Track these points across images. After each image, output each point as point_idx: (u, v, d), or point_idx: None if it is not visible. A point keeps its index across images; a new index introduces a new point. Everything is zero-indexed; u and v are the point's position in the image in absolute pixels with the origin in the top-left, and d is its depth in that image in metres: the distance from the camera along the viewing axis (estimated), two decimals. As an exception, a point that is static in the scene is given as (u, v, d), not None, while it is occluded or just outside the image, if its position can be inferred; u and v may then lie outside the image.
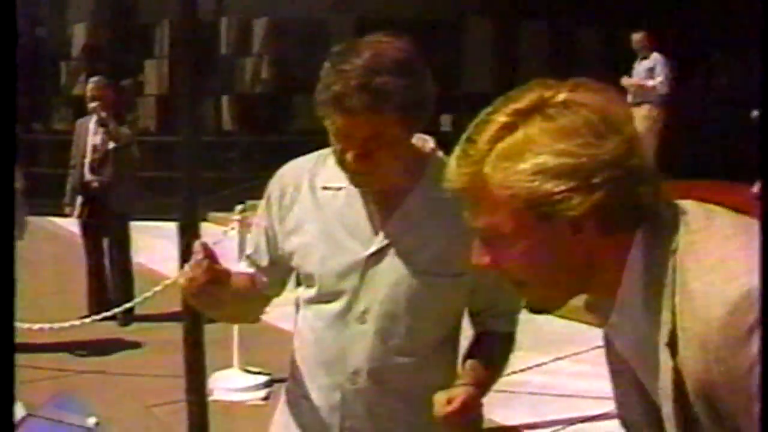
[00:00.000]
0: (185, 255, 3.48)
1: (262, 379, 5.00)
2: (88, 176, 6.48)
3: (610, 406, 1.36)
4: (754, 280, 1.01)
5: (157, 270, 7.12)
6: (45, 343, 5.44)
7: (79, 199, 6.52)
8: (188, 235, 3.50)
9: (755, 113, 8.76)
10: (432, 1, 12.05)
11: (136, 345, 5.93)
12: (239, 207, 5.48)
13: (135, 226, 6.79)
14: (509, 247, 1.15)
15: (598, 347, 1.33)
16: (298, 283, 1.89)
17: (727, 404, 1.04)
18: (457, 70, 11.56)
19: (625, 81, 9.07)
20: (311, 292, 1.82)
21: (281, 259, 1.86)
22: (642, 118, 8.76)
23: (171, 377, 4.20)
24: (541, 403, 4.61)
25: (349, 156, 1.66)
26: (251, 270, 1.92)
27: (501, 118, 1.13)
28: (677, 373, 1.08)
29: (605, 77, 1.23)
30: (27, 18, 12.10)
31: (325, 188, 1.81)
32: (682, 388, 1.08)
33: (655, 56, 9.39)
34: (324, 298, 1.79)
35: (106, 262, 6.64)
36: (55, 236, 9.18)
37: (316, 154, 1.88)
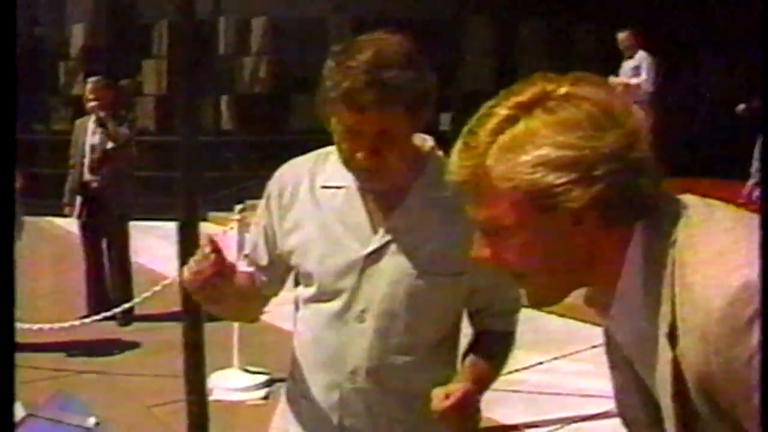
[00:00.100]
0: (184, 255, 3.49)
1: (262, 378, 5.00)
2: (87, 176, 6.48)
3: (609, 405, 1.36)
4: (754, 272, 1.02)
5: (156, 270, 7.11)
6: (44, 343, 5.44)
7: (78, 199, 6.52)
8: (188, 235, 3.50)
9: (741, 107, 8.78)
10: (430, 1, 12.05)
11: (135, 345, 5.93)
12: (239, 207, 5.48)
13: (134, 226, 6.78)
14: (510, 239, 1.16)
15: (597, 346, 1.33)
16: (297, 283, 1.90)
17: (726, 396, 1.05)
18: (456, 70, 11.56)
19: (612, 80, 9.08)
20: (310, 291, 1.82)
21: (280, 258, 1.86)
22: None
23: (171, 377, 4.20)
24: (540, 402, 4.62)
25: (359, 154, 1.65)
26: (251, 269, 1.92)
27: (503, 111, 1.14)
28: (676, 364, 1.09)
29: (604, 76, 1.23)
30: (25, 18, 12.11)
31: (324, 187, 1.81)
32: (681, 380, 1.09)
33: (641, 55, 9.40)
34: (323, 296, 1.80)
35: (106, 262, 6.63)
36: (54, 236, 9.18)
37: (315, 153, 1.88)
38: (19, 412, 1.74)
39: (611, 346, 1.28)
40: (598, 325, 1.30)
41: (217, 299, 1.77)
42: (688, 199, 1.17)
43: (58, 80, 13.21)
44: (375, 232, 1.75)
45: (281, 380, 2.04)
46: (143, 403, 4.80)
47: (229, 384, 4.96)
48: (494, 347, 1.86)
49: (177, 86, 3.84)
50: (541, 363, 5.01)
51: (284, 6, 11.92)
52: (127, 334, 6.16)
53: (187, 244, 3.49)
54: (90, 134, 6.49)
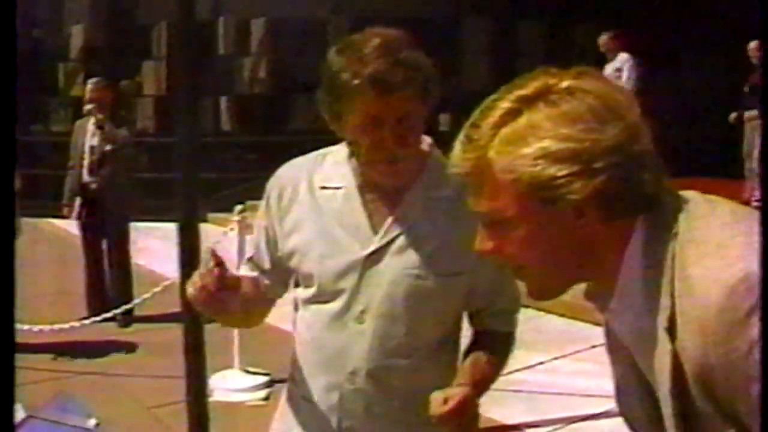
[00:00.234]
0: (184, 256, 3.49)
1: (262, 379, 5.00)
2: (86, 177, 6.48)
3: (609, 405, 1.36)
4: (753, 265, 1.02)
5: (156, 271, 7.12)
6: (44, 343, 5.44)
7: (78, 201, 6.52)
8: (187, 236, 3.50)
9: (733, 115, 8.81)
10: (430, 1, 12.05)
11: (135, 346, 5.93)
12: (238, 207, 5.48)
13: (134, 227, 6.78)
14: (512, 232, 1.16)
15: (598, 346, 1.33)
16: (297, 284, 1.89)
17: (725, 388, 1.05)
18: (455, 70, 11.56)
19: None
20: (310, 291, 1.82)
21: (282, 260, 1.86)
22: None
23: (171, 378, 4.20)
24: (541, 402, 4.62)
25: (387, 140, 1.64)
26: (254, 273, 1.92)
27: (505, 104, 1.15)
28: (675, 357, 1.09)
29: (603, 75, 1.23)
30: (24, 19, 12.10)
31: (323, 188, 1.81)
32: (679, 373, 1.09)
33: (622, 57, 9.41)
34: (322, 297, 1.79)
35: (106, 263, 6.63)
36: (53, 237, 9.18)
37: (314, 154, 1.88)
38: (19, 413, 1.74)
39: (612, 342, 1.28)
40: (599, 324, 1.30)
41: (221, 311, 1.77)
42: (689, 194, 1.17)
43: (57, 81, 13.20)
44: (375, 232, 1.75)
45: (282, 381, 2.04)
46: (143, 404, 4.80)
47: (230, 385, 4.96)
48: (494, 347, 1.85)
49: (176, 87, 3.83)
50: (541, 363, 5.01)
51: (284, 7, 11.92)
52: (128, 335, 6.16)
53: (187, 245, 3.48)
54: (89, 135, 6.49)
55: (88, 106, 6.42)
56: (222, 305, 1.71)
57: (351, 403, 1.79)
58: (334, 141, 1.84)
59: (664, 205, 1.14)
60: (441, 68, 1.69)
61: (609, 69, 9.48)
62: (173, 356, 3.93)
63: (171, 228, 3.62)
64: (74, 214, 6.59)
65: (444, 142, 1.50)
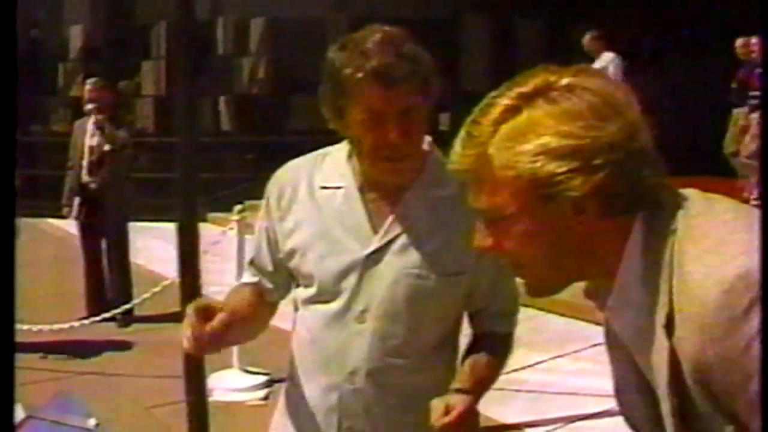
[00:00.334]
0: (184, 256, 3.49)
1: (262, 379, 5.00)
2: (85, 178, 6.47)
3: (609, 404, 1.36)
4: (751, 262, 1.03)
5: (155, 271, 7.11)
6: (43, 342, 5.44)
7: (77, 201, 6.52)
8: (187, 236, 3.50)
9: (737, 111, 8.82)
10: (429, 1, 12.05)
11: (135, 346, 5.93)
12: (238, 207, 5.48)
13: (133, 227, 6.78)
14: (512, 228, 1.17)
15: (598, 345, 1.33)
16: (297, 284, 1.89)
17: (723, 385, 1.05)
18: (455, 69, 11.56)
19: None
20: (310, 291, 1.81)
21: (283, 262, 1.85)
22: None
23: (170, 378, 4.20)
24: (541, 401, 4.62)
25: (391, 135, 1.63)
26: (255, 279, 1.91)
27: (505, 101, 1.15)
28: (673, 354, 1.09)
29: (602, 75, 1.23)
30: (23, 20, 12.09)
31: (323, 188, 1.80)
32: (678, 370, 1.10)
33: (606, 56, 9.40)
34: (323, 297, 1.79)
35: (105, 263, 6.63)
36: (53, 238, 9.18)
37: (313, 154, 1.88)
38: (19, 413, 1.74)
39: (611, 340, 1.28)
40: (598, 324, 1.31)
41: (225, 347, 1.78)
42: (688, 191, 1.18)
43: (56, 81, 13.20)
44: (375, 232, 1.75)
45: (281, 381, 2.04)
46: (143, 404, 4.79)
47: (229, 384, 4.96)
48: (494, 348, 1.85)
49: (176, 87, 3.83)
50: (541, 362, 5.01)
51: (283, 7, 11.92)
52: (127, 335, 6.16)
53: (187, 244, 3.48)
54: (89, 136, 6.49)
55: (88, 106, 6.42)
56: (222, 345, 1.72)
57: (350, 403, 1.79)
58: (334, 141, 1.84)
59: (664, 202, 1.15)
60: (441, 68, 1.69)
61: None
62: (172, 356, 3.93)
63: (170, 228, 3.62)
64: (73, 214, 6.59)
65: (444, 142, 1.50)
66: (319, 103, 1.71)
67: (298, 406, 1.89)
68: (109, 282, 6.61)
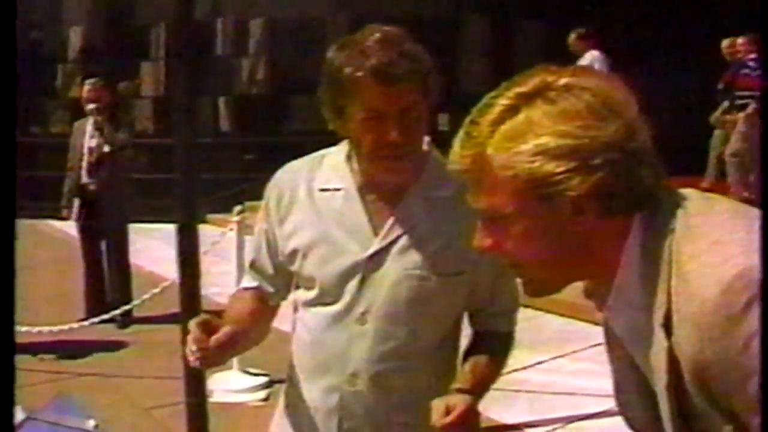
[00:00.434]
0: (183, 257, 3.49)
1: (262, 380, 5.00)
2: (85, 179, 6.47)
3: (609, 404, 1.36)
4: (749, 261, 1.03)
5: (155, 272, 7.12)
6: (43, 344, 5.44)
7: (77, 202, 6.52)
8: (186, 236, 3.50)
9: (717, 114, 8.86)
10: (428, 1, 12.05)
11: (134, 347, 5.93)
12: (237, 208, 5.48)
13: (133, 228, 6.78)
14: (511, 228, 1.17)
15: (598, 345, 1.33)
16: (297, 286, 1.88)
17: (721, 385, 1.05)
18: (455, 69, 11.56)
19: None
20: (311, 294, 1.81)
21: (283, 264, 1.85)
22: None
23: (170, 379, 4.20)
24: (541, 401, 4.61)
25: (392, 134, 1.63)
26: (255, 283, 1.91)
27: (504, 101, 1.15)
28: (671, 353, 1.09)
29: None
30: (22, 21, 12.10)
31: (322, 190, 1.80)
32: (676, 369, 1.10)
33: (592, 54, 9.39)
34: (324, 300, 1.79)
35: (104, 264, 6.63)
36: (53, 239, 9.18)
37: (311, 156, 1.87)
38: (18, 415, 1.74)
39: (611, 340, 1.28)
40: (598, 324, 1.31)
41: (230, 357, 1.78)
42: (686, 191, 1.18)
43: (55, 83, 13.20)
44: (375, 234, 1.74)
45: (281, 381, 2.04)
46: (143, 405, 4.79)
47: (229, 385, 4.96)
48: (494, 348, 1.85)
49: (175, 88, 3.83)
50: (541, 362, 5.00)
51: (282, 7, 11.91)
52: (127, 336, 6.16)
53: (186, 245, 3.48)
54: (88, 137, 6.49)
55: (88, 107, 6.42)
56: (227, 358, 1.73)
57: (351, 404, 1.78)
58: (334, 141, 1.83)
59: (662, 202, 1.15)
60: (440, 68, 1.69)
61: None
62: (172, 357, 3.93)
63: (170, 229, 3.62)
64: (73, 215, 6.59)
65: (443, 142, 1.50)
66: (319, 104, 1.71)
67: (297, 408, 1.88)
68: (108, 283, 6.61)
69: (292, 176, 1.85)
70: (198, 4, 4.26)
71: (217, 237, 5.64)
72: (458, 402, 1.66)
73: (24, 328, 4.86)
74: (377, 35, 1.63)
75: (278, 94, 12.11)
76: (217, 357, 1.68)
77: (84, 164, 6.47)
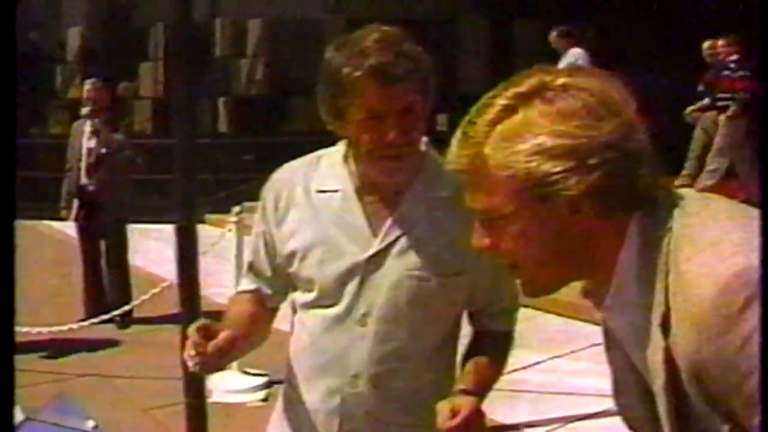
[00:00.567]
0: (182, 257, 3.49)
1: (261, 380, 5.00)
2: (84, 180, 6.47)
3: (609, 404, 1.36)
4: (746, 261, 1.03)
5: (154, 272, 7.11)
6: (42, 344, 5.43)
7: (76, 203, 6.52)
8: (185, 237, 3.50)
9: (689, 109, 8.88)
10: (427, 1, 12.05)
11: (134, 347, 5.93)
12: (236, 208, 5.48)
13: (132, 228, 6.78)
14: (508, 228, 1.17)
15: (597, 345, 1.33)
16: (295, 288, 1.87)
17: (719, 384, 1.05)
18: (453, 70, 11.56)
19: None
20: (310, 296, 1.80)
21: (281, 266, 1.84)
22: None
23: (169, 379, 4.20)
24: (540, 401, 4.61)
25: (390, 135, 1.63)
26: (254, 286, 1.90)
27: (501, 101, 1.15)
28: (669, 353, 1.10)
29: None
30: (21, 22, 12.10)
31: (320, 191, 1.79)
32: (674, 369, 1.10)
33: (575, 51, 9.37)
34: (323, 302, 1.78)
35: (104, 265, 6.63)
36: (52, 240, 9.17)
37: (308, 157, 1.86)
38: (17, 415, 1.74)
39: (609, 340, 1.28)
40: (597, 324, 1.31)
41: (230, 362, 1.78)
42: (684, 191, 1.18)
43: (54, 84, 13.21)
44: (375, 235, 1.74)
45: (280, 382, 2.03)
46: (142, 405, 4.79)
47: (229, 386, 4.95)
48: (495, 348, 1.85)
49: (174, 89, 3.83)
50: (540, 362, 5.01)
51: (281, 8, 11.92)
52: (126, 336, 6.16)
53: (185, 246, 3.48)
54: (86, 138, 6.49)
55: (86, 110, 6.42)
56: (227, 362, 1.73)
57: (352, 406, 1.78)
58: (332, 142, 1.83)
59: (660, 201, 1.15)
60: (439, 68, 1.69)
61: (562, 65, 9.49)
62: (171, 357, 3.93)
63: (169, 229, 3.62)
64: (72, 216, 6.59)
65: (441, 143, 1.50)
66: (318, 104, 1.71)
67: (296, 410, 1.87)
68: (107, 284, 6.61)
69: (288, 177, 1.84)
70: (196, 5, 4.26)
71: (216, 237, 5.64)
72: (463, 404, 1.65)
73: (24, 329, 4.86)
74: (376, 35, 1.63)
75: (277, 95, 12.12)
76: (216, 362, 1.66)
77: (83, 165, 6.48)
